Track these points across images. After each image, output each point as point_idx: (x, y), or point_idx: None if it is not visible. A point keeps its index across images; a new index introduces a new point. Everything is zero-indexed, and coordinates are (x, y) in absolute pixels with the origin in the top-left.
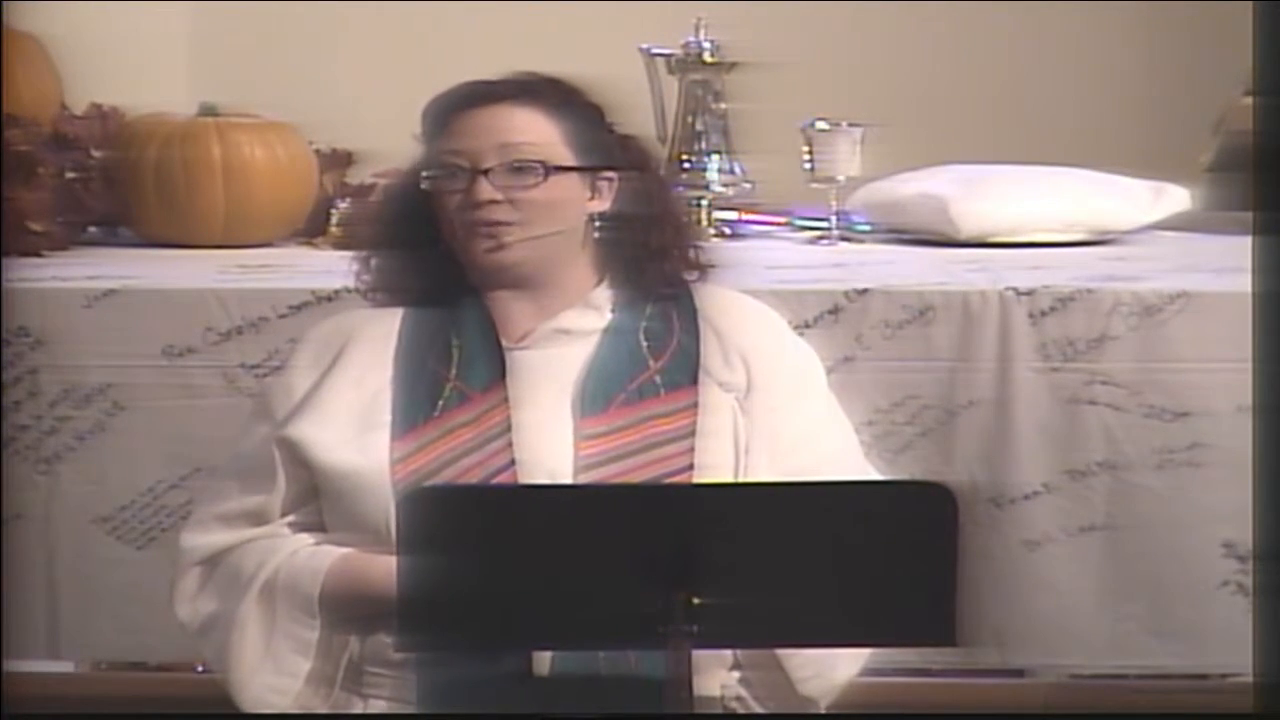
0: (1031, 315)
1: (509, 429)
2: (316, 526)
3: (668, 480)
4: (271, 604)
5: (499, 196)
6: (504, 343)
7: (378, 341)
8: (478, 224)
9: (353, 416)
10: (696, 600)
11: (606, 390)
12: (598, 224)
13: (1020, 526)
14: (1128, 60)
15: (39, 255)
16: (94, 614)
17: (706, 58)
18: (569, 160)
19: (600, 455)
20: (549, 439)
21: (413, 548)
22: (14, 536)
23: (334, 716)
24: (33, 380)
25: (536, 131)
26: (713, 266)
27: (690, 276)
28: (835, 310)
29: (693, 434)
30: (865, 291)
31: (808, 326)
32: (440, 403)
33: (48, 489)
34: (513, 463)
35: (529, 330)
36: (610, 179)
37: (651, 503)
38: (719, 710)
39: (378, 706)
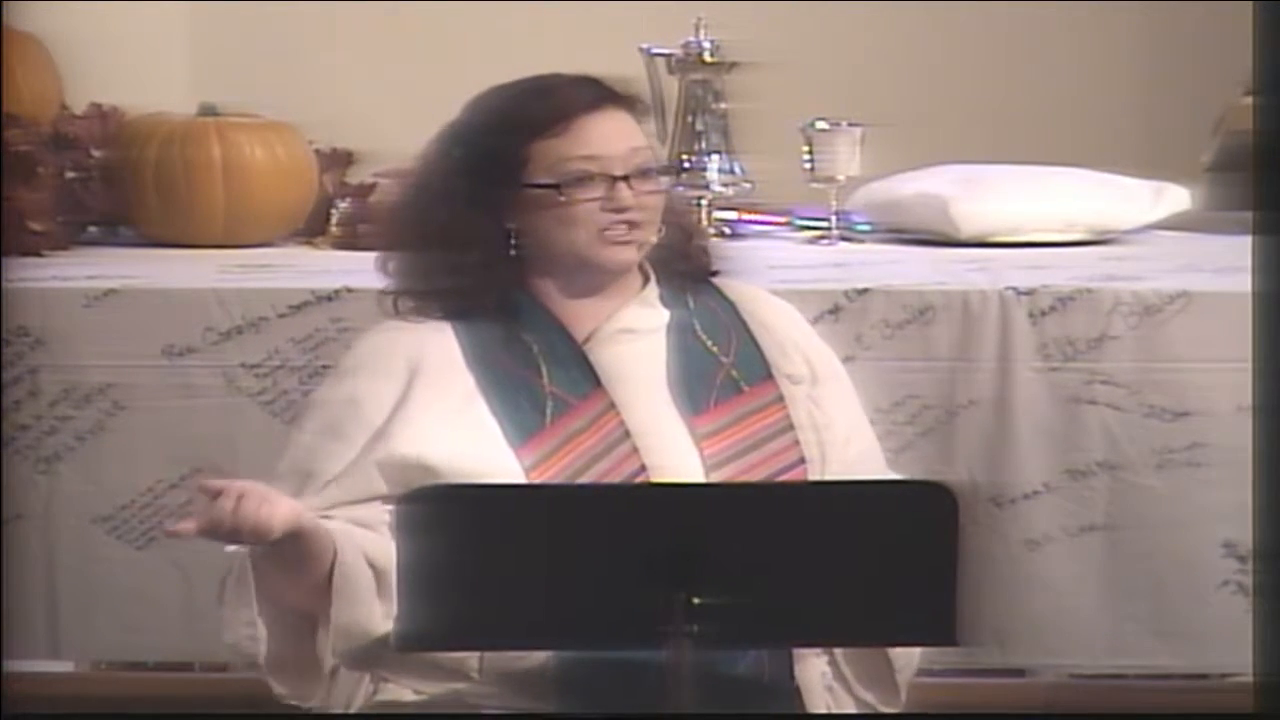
0: (1031, 315)
1: (628, 434)
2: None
3: (785, 475)
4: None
5: (635, 202)
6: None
7: (445, 350)
8: (617, 227)
9: (456, 426)
10: (696, 600)
11: (700, 388)
12: None
13: (1020, 526)
14: (1128, 60)
15: (39, 255)
16: (94, 614)
17: (706, 58)
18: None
19: (722, 454)
20: (669, 441)
21: (413, 547)
22: (14, 536)
23: (334, 716)
24: (33, 380)
25: (644, 136)
26: (721, 254)
27: (708, 262)
28: (835, 310)
29: (790, 427)
30: (865, 291)
31: None
32: (548, 410)
33: (48, 489)
34: (643, 467)
35: (591, 331)
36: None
37: (651, 503)
38: (820, 700)
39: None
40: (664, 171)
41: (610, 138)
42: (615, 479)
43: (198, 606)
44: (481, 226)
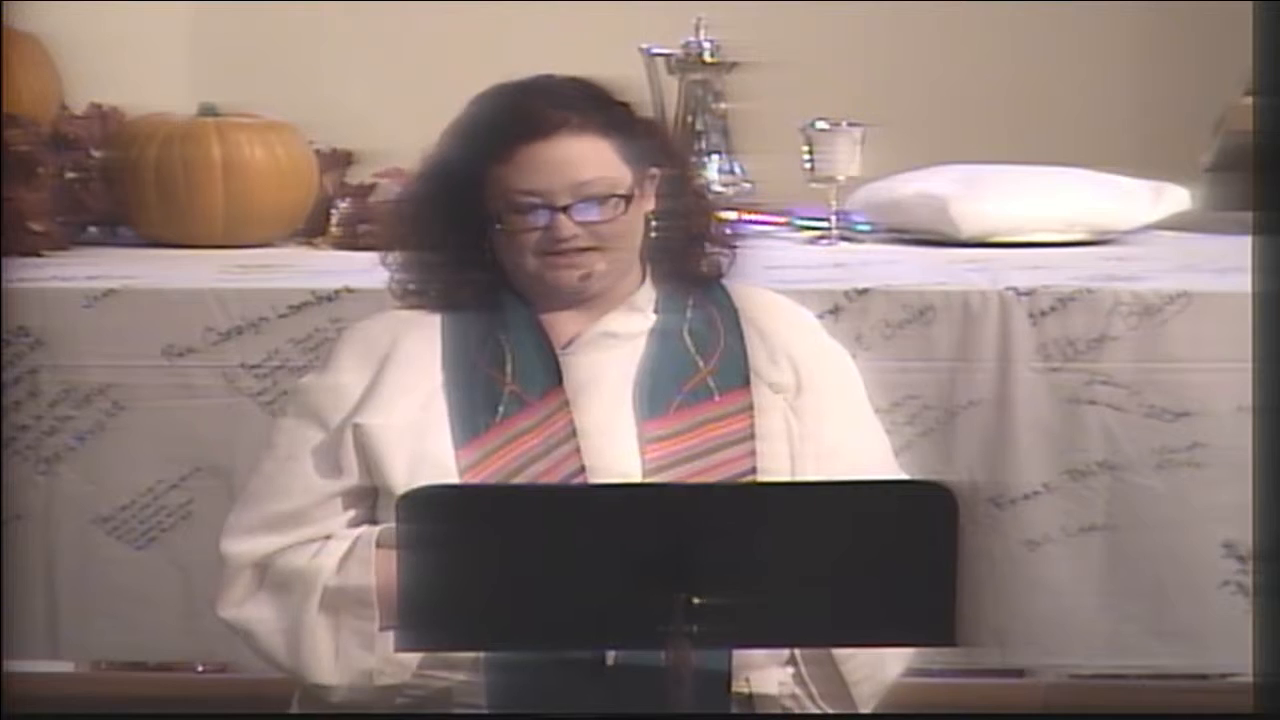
0: (1031, 315)
1: (574, 434)
2: (369, 523)
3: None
4: (336, 603)
5: (580, 231)
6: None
7: (423, 345)
8: (562, 255)
9: (410, 422)
10: (696, 600)
11: (663, 393)
12: (653, 224)
13: (1020, 526)
14: (1128, 60)
15: (39, 255)
16: (94, 614)
17: (706, 58)
18: (629, 177)
19: (666, 459)
20: (614, 443)
21: (413, 548)
22: (14, 536)
23: (335, 716)
24: (33, 380)
25: (601, 160)
26: (741, 249)
27: (725, 261)
28: (835, 310)
29: (751, 437)
30: (865, 291)
31: None
32: (500, 409)
33: (48, 489)
34: (582, 469)
35: (575, 334)
36: (654, 175)
37: (651, 503)
38: (776, 707)
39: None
40: (674, 186)
41: (553, 170)
42: (552, 479)
43: (198, 606)
44: (457, 233)
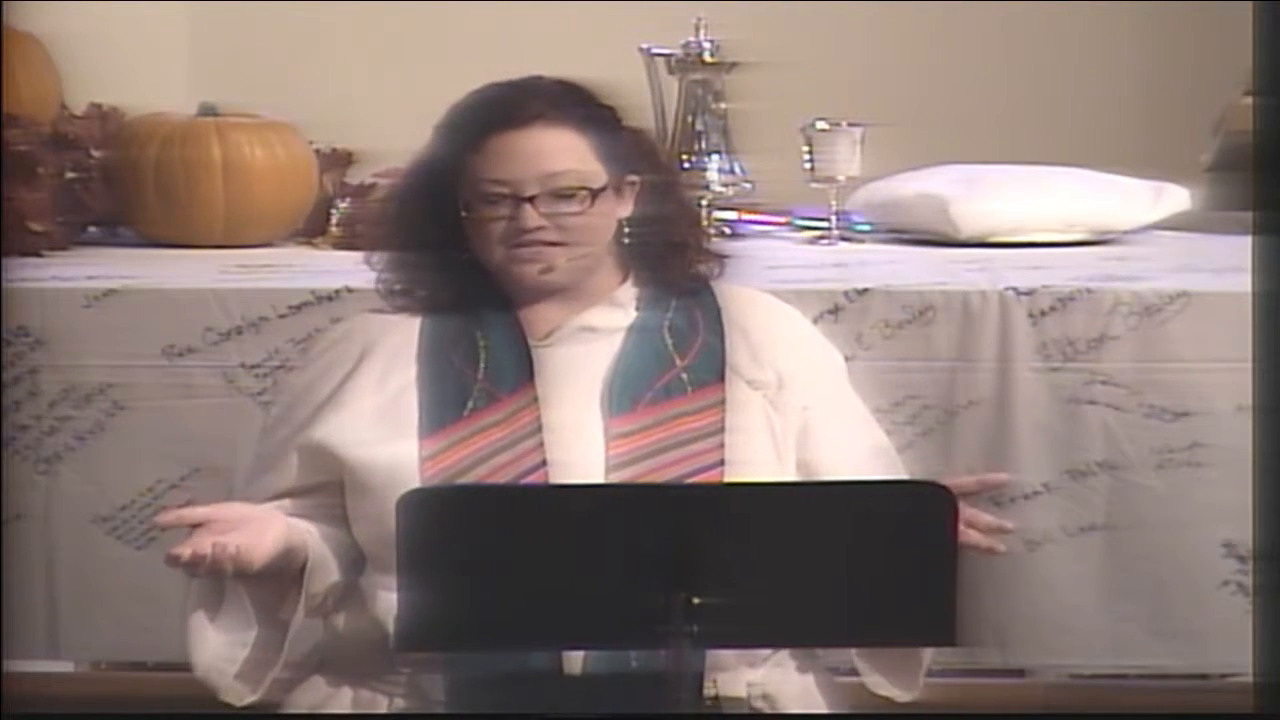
0: (1031, 315)
1: (540, 429)
2: (325, 519)
3: (698, 476)
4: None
5: (545, 223)
6: (530, 340)
7: (400, 340)
8: (525, 247)
9: (379, 415)
10: (696, 600)
11: (633, 389)
12: (626, 229)
13: (1020, 526)
14: (1128, 60)
15: (39, 255)
16: (94, 614)
17: (706, 58)
18: (602, 174)
19: (630, 454)
20: (579, 439)
21: (413, 548)
22: (14, 536)
23: (336, 716)
24: (33, 380)
25: (573, 154)
26: (729, 258)
27: (710, 270)
28: (835, 310)
29: (721, 430)
30: (865, 291)
31: None
32: (469, 402)
33: (48, 489)
34: (544, 463)
35: (554, 327)
36: (634, 181)
37: (652, 503)
38: (745, 709)
39: (400, 705)
40: (659, 193)
41: (524, 160)
42: (512, 471)
43: None
44: (440, 230)
